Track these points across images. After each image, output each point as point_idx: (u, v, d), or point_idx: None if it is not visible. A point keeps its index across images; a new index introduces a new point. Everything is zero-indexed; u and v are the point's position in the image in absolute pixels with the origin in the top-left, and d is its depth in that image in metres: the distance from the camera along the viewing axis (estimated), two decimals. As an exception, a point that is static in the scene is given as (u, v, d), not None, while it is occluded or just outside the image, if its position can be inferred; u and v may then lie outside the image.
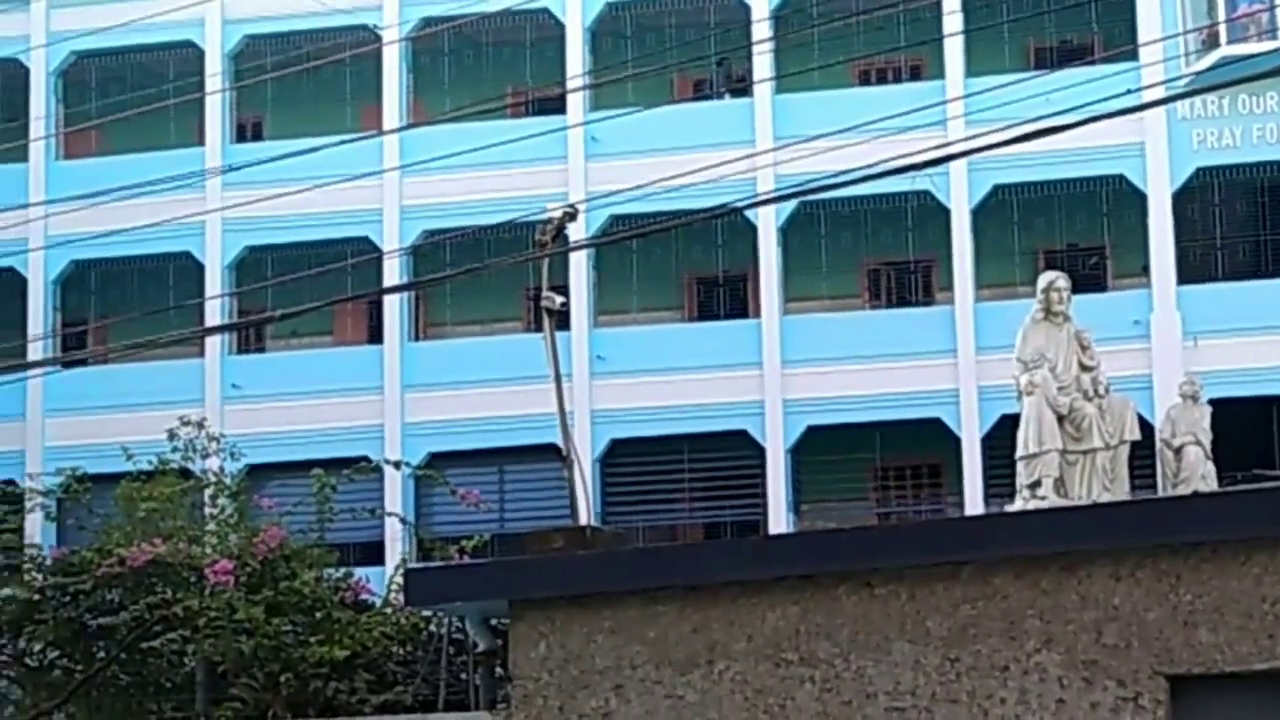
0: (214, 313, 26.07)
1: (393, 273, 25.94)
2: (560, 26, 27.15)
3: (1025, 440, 17.51)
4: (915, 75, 27.36)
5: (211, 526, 21.29)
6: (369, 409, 26.23)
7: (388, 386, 26.53)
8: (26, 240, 26.62)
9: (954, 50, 25.76)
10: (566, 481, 20.23)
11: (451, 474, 23.92)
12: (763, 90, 26.06)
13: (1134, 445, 17.90)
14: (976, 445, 24.91)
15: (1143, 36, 25.01)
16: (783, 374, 25.64)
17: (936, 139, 23.61)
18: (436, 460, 25.01)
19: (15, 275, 27.26)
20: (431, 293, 26.89)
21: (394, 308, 26.60)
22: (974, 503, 24.39)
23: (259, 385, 26.60)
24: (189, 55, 27.99)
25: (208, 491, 22.65)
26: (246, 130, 28.78)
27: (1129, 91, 22.54)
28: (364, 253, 25.90)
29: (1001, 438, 22.23)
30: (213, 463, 22.76)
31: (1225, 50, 24.90)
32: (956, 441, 25.11)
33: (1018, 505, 17.53)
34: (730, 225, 25.09)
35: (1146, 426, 19.64)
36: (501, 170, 25.37)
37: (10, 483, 24.38)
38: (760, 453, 25.63)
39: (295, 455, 24.89)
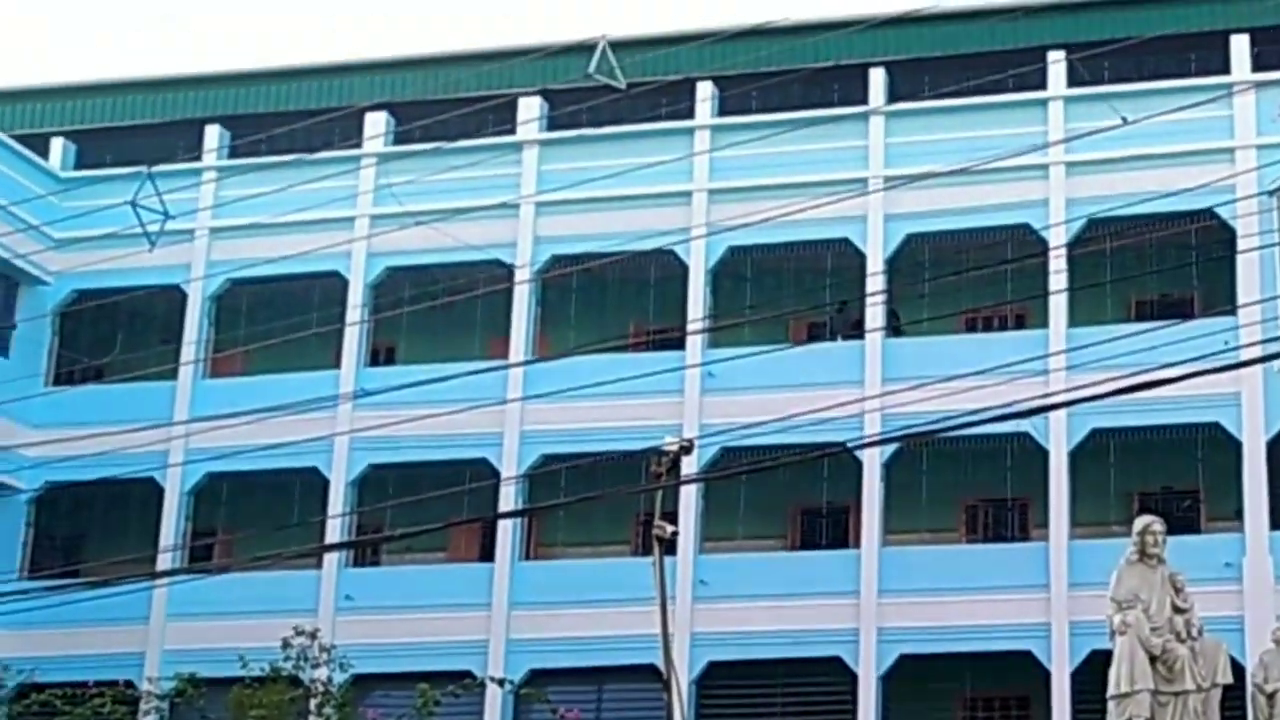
0: (334, 527, 27.15)
1: (508, 495, 26.89)
2: (683, 267, 28.28)
3: (1117, 679, 17.81)
4: (1020, 324, 28.15)
5: (315, 734, 22.21)
6: (475, 625, 26.88)
7: (495, 603, 27.17)
8: (168, 453, 28.04)
9: (1058, 302, 26.56)
10: (665, 704, 20.84)
11: (551, 691, 24.82)
12: (874, 335, 26.98)
13: (1226, 689, 18.19)
14: (1066, 680, 25.09)
15: (1242, 295, 25.68)
16: (879, 603, 26.06)
17: (1038, 386, 24.50)
18: (537, 677, 25.78)
19: (154, 486, 28.57)
20: (545, 515, 27.75)
21: (507, 528, 27.39)
22: (1062, 735, 24.61)
23: (372, 597, 27.41)
24: (333, 284, 29.47)
25: (314, 700, 23.59)
26: (380, 355, 30.00)
27: (1227, 347, 23.36)
28: (482, 474, 26.95)
29: (1090, 674, 22.63)
30: (321, 672, 23.74)
31: (1322, 306, 25.41)
32: (1046, 675, 25.30)
33: (1108, 744, 17.78)
34: (836, 460, 25.62)
35: (1238, 669, 19.93)
36: (619, 401, 26.23)
37: (129, 684, 25.47)
38: (853, 679, 25.94)
39: (401, 667, 25.80)
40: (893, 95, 28.93)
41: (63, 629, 26.57)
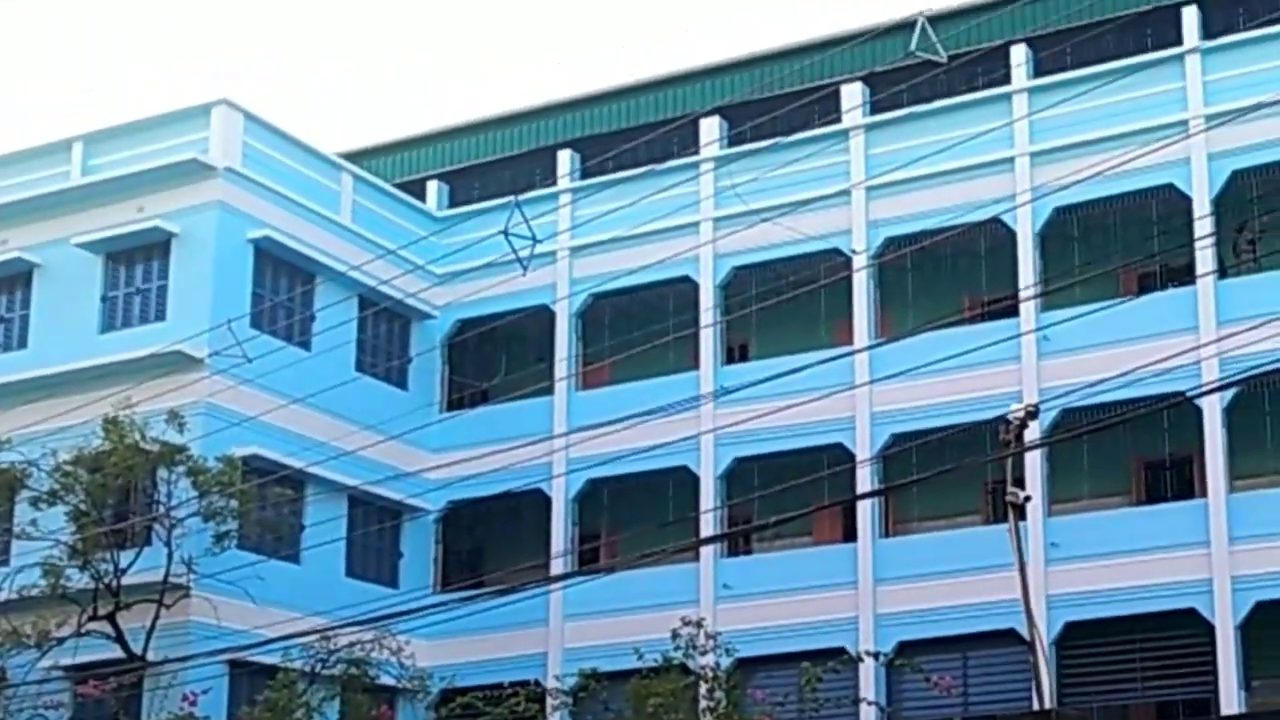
0: (707, 521, 29.02)
1: (864, 476, 28.18)
2: (1011, 234, 28.98)
3: None
4: (1364, 251, 27.69)
5: (709, 718, 23.95)
6: (844, 603, 28.46)
7: (861, 581, 28.64)
8: (551, 465, 30.44)
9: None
10: (1030, 666, 21.84)
11: (920, 661, 25.91)
12: (1205, 279, 27.04)
13: None
14: None
15: None
16: (1230, 551, 26.30)
17: (1384, 312, 24.18)
18: (905, 649, 27.08)
19: (541, 496, 31.06)
20: (899, 491, 28.87)
21: (866, 508, 28.76)
22: None
23: (747, 585, 29.28)
24: (685, 289, 31.31)
25: (704, 686, 25.33)
26: (734, 352, 31.71)
27: None
28: (838, 458, 28.36)
29: None
30: (709, 659, 25.51)
31: None
32: None
33: None
34: (1176, 410, 25.97)
35: None
36: (960, 374, 27.30)
37: (536, 683, 27.88)
38: (1209, 630, 26.27)
39: (779, 648, 27.48)
40: (1206, 33, 28.84)
41: (473, 636, 29.31)
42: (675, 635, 25.08)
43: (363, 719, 27.01)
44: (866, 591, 28.48)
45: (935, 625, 27.66)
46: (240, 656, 25.98)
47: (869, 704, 26.02)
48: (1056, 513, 27.98)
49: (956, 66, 28.46)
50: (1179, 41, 28.80)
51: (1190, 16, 28.98)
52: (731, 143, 31.77)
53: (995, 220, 28.40)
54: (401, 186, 34.96)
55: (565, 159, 33.48)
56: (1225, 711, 25.44)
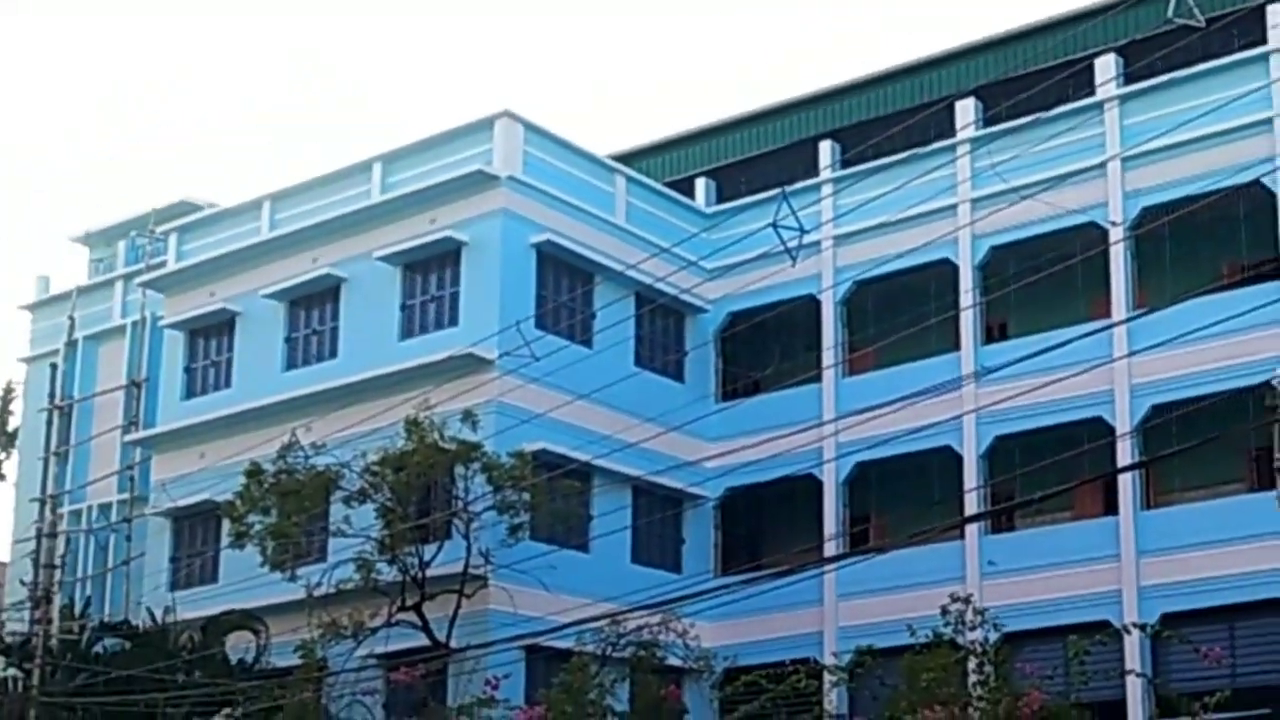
0: (971, 500, 29.65)
1: (1124, 449, 28.41)
2: (1271, 196, 28.77)
3: None
4: None
5: (980, 692, 24.69)
6: (1106, 576, 28.76)
7: (1123, 553, 28.90)
8: (821, 450, 31.42)
9: None
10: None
11: (1185, 632, 26.08)
12: None
13: None
14: None
15: None
16: None
17: None
18: (1168, 620, 27.19)
19: (813, 481, 32.06)
20: (1160, 462, 28.91)
21: (1126, 481, 28.96)
22: None
23: (1011, 560, 29.78)
24: (945, 271, 31.87)
25: (973, 660, 25.98)
26: (994, 331, 32.14)
27: None
28: (1098, 432, 28.67)
29: None
30: (977, 634, 26.18)
31: None
32: None
33: None
34: None
35: None
36: (1221, 342, 27.22)
37: (814, 661, 28.93)
38: None
39: (1044, 622, 27.97)
40: None
41: (753, 617, 30.33)
42: (944, 612, 25.60)
43: (652, 698, 28.27)
44: (1129, 563, 28.74)
45: (1200, 596, 27.78)
46: (536, 642, 27.10)
47: (1136, 675, 26.32)
48: (1323, 479, 27.80)
49: (1213, 30, 28.40)
50: None
51: None
52: (987, 123, 32.05)
53: (1255, 183, 28.13)
54: (671, 185, 36.25)
55: (826, 150, 34.30)
56: None
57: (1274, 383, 21.99)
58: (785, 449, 28.31)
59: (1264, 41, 29.79)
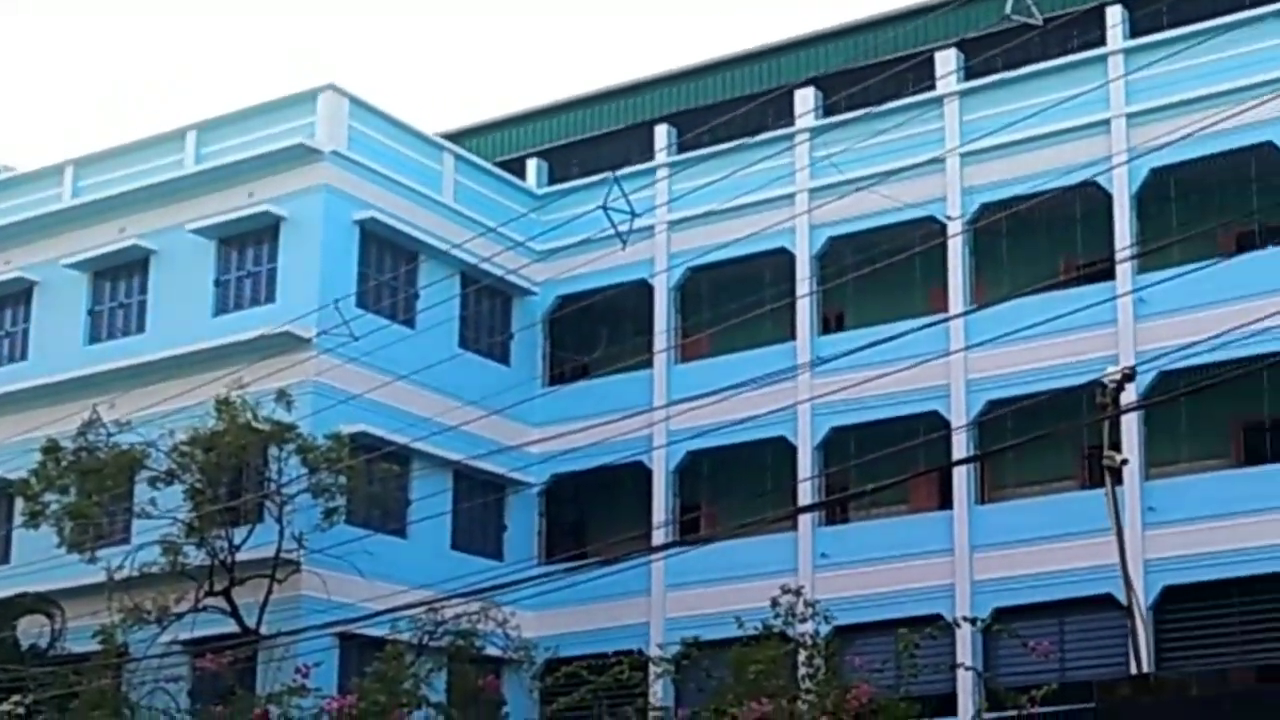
0: (805, 490, 29.23)
1: (960, 443, 28.23)
2: (1107, 196, 28.83)
3: None
4: None
5: (808, 685, 24.18)
6: (940, 569, 28.60)
7: (957, 548, 28.75)
8: (651, 438, 30.77)
9: None
10: (1128, 631, 21.84)
11: (1016, 627, 25.89)
12: (1307, 236, 26.82)
13: None
14: None
15: None
16: (1330, 513, 26.07)
17: None
18: (1001, 615, 27.11)
19: (642, 469, 31.41)
20: (995, 458, 28.85)
21: (962, 475, 28.84)
22: None
23: (844, 553, 29.47)
24: (781, 260, 31.48)
25: (803, 653, 25.53)
26: (830, 322, 31.85)
27: None
28: (934, 425, 28.46)
29: None
30: (807, 626, 25.73)
31: None
32: None
33: None
34: (1275, 371, 25.81)
35: None
36: (1057, 339, 27.30)
37: (639, 652, 28.25)
38: (1310, 592, 26.12)
39: (876, 616, 27.62)
40: (1305, -15, 28.47)
41: (577, 607, 29.74)
42: (775, 604, 25.12)
43: (470, 689, 27.47)
44: (963, 558, 28.59)
45: (1032, 591, 27.71)
46: (350, 629, 26.44)
47: (965, 669, 26.11)
48: (1154, 476, 27.89)
49: (1051, 29, 28.41)
50: (1276, -1, 28.48)
51: (1290, -31, 28.60)
52: (826, 113, 31.86)
53: (1091, 183, 28.16)
54: (502, 165, 35.43)
55: (662, 134, 33.76)
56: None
57: (1104, 381, 21.74)
58: (614, 435, 27.73)
59: (1103, 43, 29.81)
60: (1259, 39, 28.29)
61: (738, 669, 24.78)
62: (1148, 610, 26.14)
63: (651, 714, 25.77)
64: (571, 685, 26.04)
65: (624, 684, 25.94)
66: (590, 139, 35.79)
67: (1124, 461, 22.27)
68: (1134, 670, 21.62)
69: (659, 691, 28.15)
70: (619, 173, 27.29)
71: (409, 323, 31.51)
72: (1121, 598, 21.77)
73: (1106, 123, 29.23)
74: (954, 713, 26.99)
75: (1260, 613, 26.68)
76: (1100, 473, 21.52)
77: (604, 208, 24.03)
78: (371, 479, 29.06)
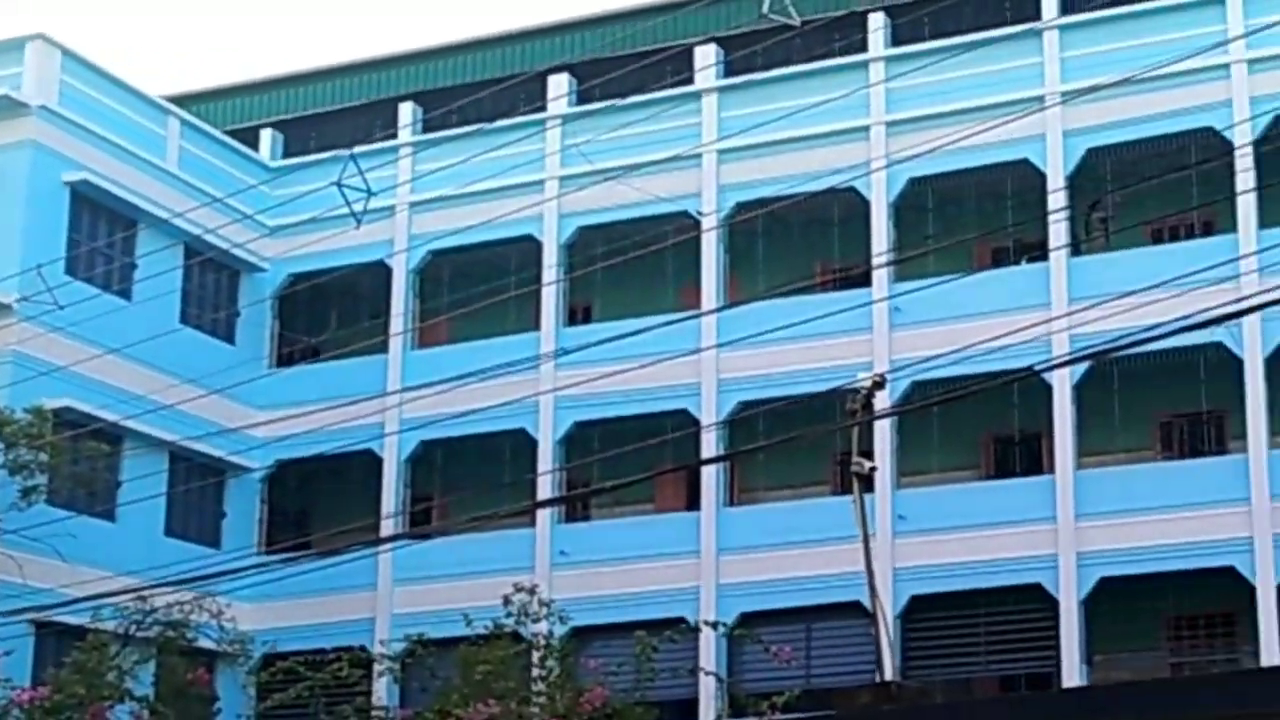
0: (545, 485, 28.14)
1: (710, 443, 27.51)
2: (865, 203, 28.49)
3: None
4: (1208, 230, 27.60)
5: (540, 687, 23.11)
6: (685, 572, 27.82)
7: (704, 550, 28.01)
8: (383, 425, 29.32)
9: (1247, 204, 26.08)
10: (873, 638, 21.31)
11: (762, 633, 25.35)
12: (1058, 255, 26.83)
13: None
14: (1272, 594, 24.90)
15: None
16: (1076, 527, 26.12)
17: (1230, 293, 24.09)
18: (748, 619, 26.45)
19: (372, 456, 29.94)
20: (745, 460, 28.29)
21: (710, 476, 28.15)
22: (1270, 652, 24.37)
23: (585, 551, 28.47)
24: (528, 248, 30.39)
25: (536, 654, 24.51)
26: (577, 314, 30.90)
27: None
28: (683, 424, 27.67)
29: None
30: (541, 626, 24.68)
31: None
32: (1251, 590, 25.10)
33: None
34: (1026, 385, 25.78)
35: None
36: (810, 342, 26.88)
37: (363, 649, 26.80)
38: (1053, 606, 26.08)
39: (617, 617, 26.68)
40: (1064, 9, 28.61)
41: (298, 599, 28.29)
42: (507, 601, 24.30)
43: (179, 683, 25.71)
44: (709, 560, 27.87)
45: (779, 596, 27.11)
46: (45, 616, 24.91)
47: (705, 674, 25.33)
48: (905, 485, 27.63)
49: (811, 31, 28.11)
50: (1038, 16, 28.50)
51: (1050, -7, 28.71)
52: (580, 100, 30.96)
53: (850, 189, 27.86)
54: (234, 134, 33.52)
55: (407, 111, 32.37)
56: (1066, 685, 25.20)
57: (856, 386, 21.24)
58: (343, 421, 26.40)
59: (865, 48, 29.52)
60: (1017, 56, 28.30)
61: (465, 669, 23.75)
62: (895, 618, 25.95)
63: (374, 714, 24.35)
64: (289, 681, 24.68)
65: (344, 682, 24.59)
66: (330, 113, 34.13)
67: (873, 469, 21.81)
68: (879, 679, 21.15)
69: (381, 691, 26.68)
70: (358, 150, 25.83)
71: (125, 294, 29.58)
72: (869, 605, 21.22)
73: (866, 129, 28.90)
74: (695, 718, 26.18)
75: (1005, 624, 26.56)
76: (851, 479, 20.98)
77: (339, 184, 22.93)
78: (77, 458, 27.19)
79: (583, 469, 28.14)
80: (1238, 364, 25.95)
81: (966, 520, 26.50)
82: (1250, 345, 25.84)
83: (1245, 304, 24.33)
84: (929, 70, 27.21)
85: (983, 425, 28.02)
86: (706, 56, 30.17)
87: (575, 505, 29.69)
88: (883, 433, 26.98)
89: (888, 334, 27.58)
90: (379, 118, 32.89)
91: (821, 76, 29.29)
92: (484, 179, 29.13)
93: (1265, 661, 24.06)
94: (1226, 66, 26.98)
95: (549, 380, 28.40)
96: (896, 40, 29.51)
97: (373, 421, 28.60)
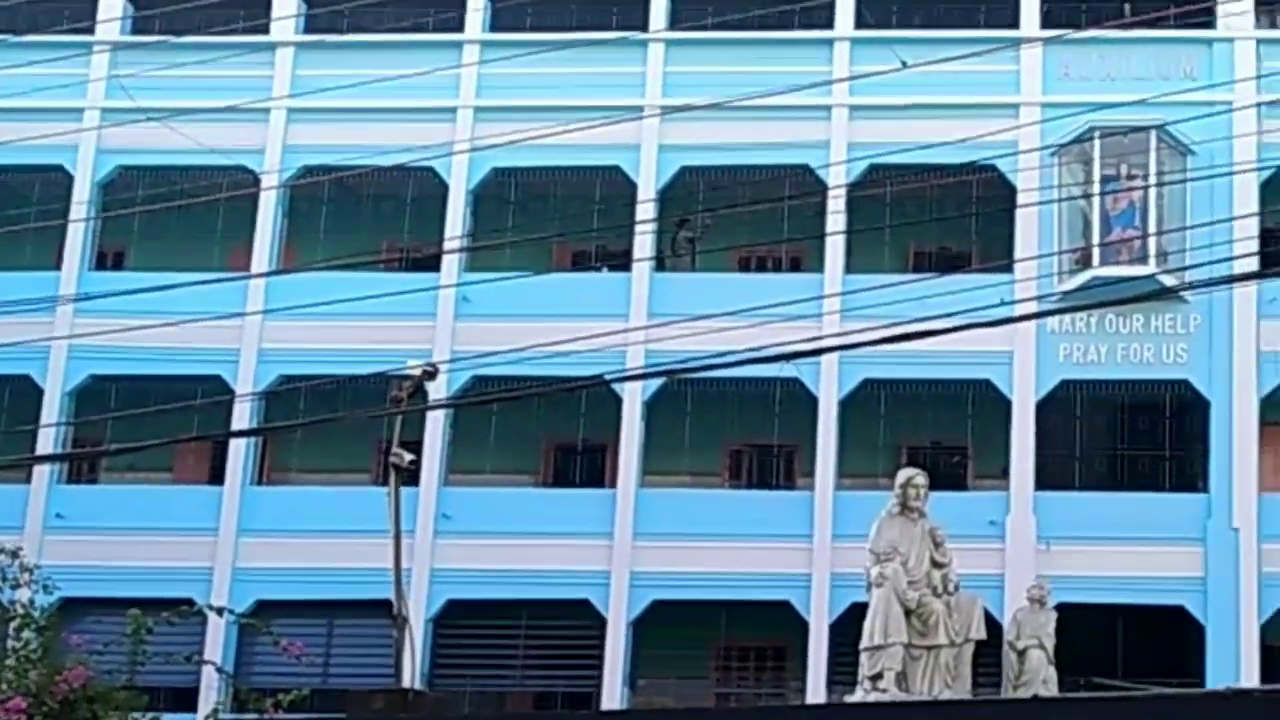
0: (47, 439, 24.99)
1: (243, 415, 25.15)
2: (444, 186, 26.78)
3: (871, 632, 17.21)
4: (795, 267, 27.24)
5: (11, 661, 20.10)
6: (201, 550, 25.21)
7: (223, 528, 25.57)
8: None
9: (835, 246, 25.72)
10: (394, 640, 19.39)
11: (279, 624, 22.62)
12: (641, 267, 25.87)
13: (980, 645, 17.75)
14: (824, 631, 24.43)
15: (1019, 251, 25.19)
16: (633, 546, 25.10)
17: (810, 330, 23.53)
18: (265, 609, 23.96)
19: None
20: (280, 437, 26.07)
21: (239, 450, 25.75)
22: (816, 690, 23.84)
23: (86, 517, 25.42)
24: (58, 179, 27.29)
25: (12, 624, 21.39)
26: (108, 259, 27.99)
27: (1002, 303, 22.74)
28: (215, 391, 25.15)
29: (849, 625, 21.73)
30: (23, 593, 21.58)
31: (1097, 271, 25.27)
32: (804, 626, 24.59)
33: (858, 696, 17.08)
34: (595, 395, 24.75)
35: (995, 626, 19.58)
36: (368, 321, 24.94)
37: None
38: (601, 623, 24.94)
39: (116, 592, 23.73)
40: (674, 23, 27.72)
41: None
42: (-16, 566, 21.32)
43: None
44: (228, 540, 25.33)
45: (302, 586, 24.74)
46: None
47: (198, 662, 22.77)
48: (454, 483, 25.76)
49: (405, 3, 26.58)
50: (644, 27, 27.49)
51: (659, 4, 27.62)
52: (136, 29, 28.17)
53: (428, 169, 26.12)
54: None
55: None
56: (606, 706, 23.91)
57: (406, 372, 19.59)
58: None
59: (462, 28, 27.90)
60: (618, 63, 27.15)
61: (-82, 634, 20.59)
62: (428, 622, 24.24)
63: None
64: None
65: None
66: None
67: (413, 462, 20.06)
68: (404, 683, 19.29)
69: None
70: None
71: None
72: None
73: (453, 111, 27.14)
74: (194, 708, 23.42)
75: (548, 638, 25.20)
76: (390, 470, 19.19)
77: None
78: None
79: (94, 427, 25.13)
80: (813, 401, 25.40)
81: (518, 526, 24.92)
82: (826, 384, 25.35)
83: (822, 343, 24.10)
84: (526, 61, 25.83)
85: (546, 431, 26.72)
86: (286, 5, 27.94)
87: (81, 465, 26.67)
88: (434, 424, 25.15)
89: (452, 323, 25.87)
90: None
91: (411, 50, 27.32)
92: (13, 95, 26.07)
93: (810, 698, 23.45)
94: (829, 108, 26.57)
95: (65, 325, 25.40)
96: (496, 26, 27.96)
97: None
